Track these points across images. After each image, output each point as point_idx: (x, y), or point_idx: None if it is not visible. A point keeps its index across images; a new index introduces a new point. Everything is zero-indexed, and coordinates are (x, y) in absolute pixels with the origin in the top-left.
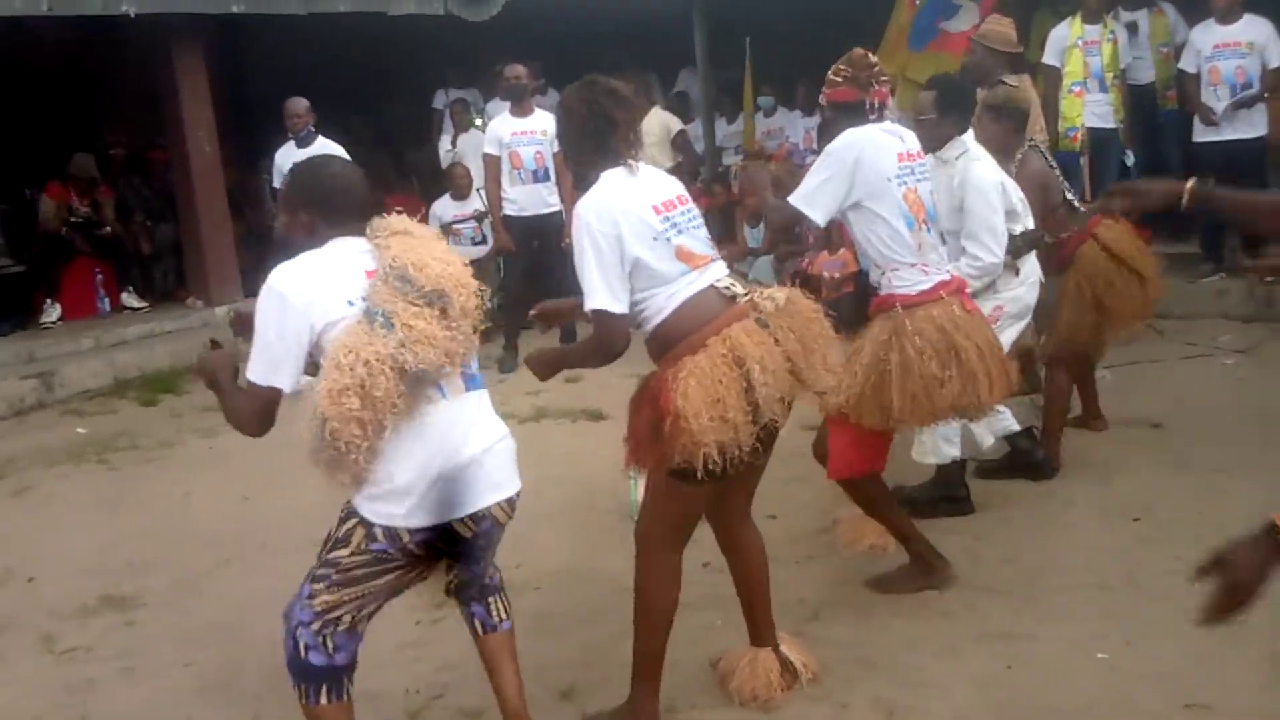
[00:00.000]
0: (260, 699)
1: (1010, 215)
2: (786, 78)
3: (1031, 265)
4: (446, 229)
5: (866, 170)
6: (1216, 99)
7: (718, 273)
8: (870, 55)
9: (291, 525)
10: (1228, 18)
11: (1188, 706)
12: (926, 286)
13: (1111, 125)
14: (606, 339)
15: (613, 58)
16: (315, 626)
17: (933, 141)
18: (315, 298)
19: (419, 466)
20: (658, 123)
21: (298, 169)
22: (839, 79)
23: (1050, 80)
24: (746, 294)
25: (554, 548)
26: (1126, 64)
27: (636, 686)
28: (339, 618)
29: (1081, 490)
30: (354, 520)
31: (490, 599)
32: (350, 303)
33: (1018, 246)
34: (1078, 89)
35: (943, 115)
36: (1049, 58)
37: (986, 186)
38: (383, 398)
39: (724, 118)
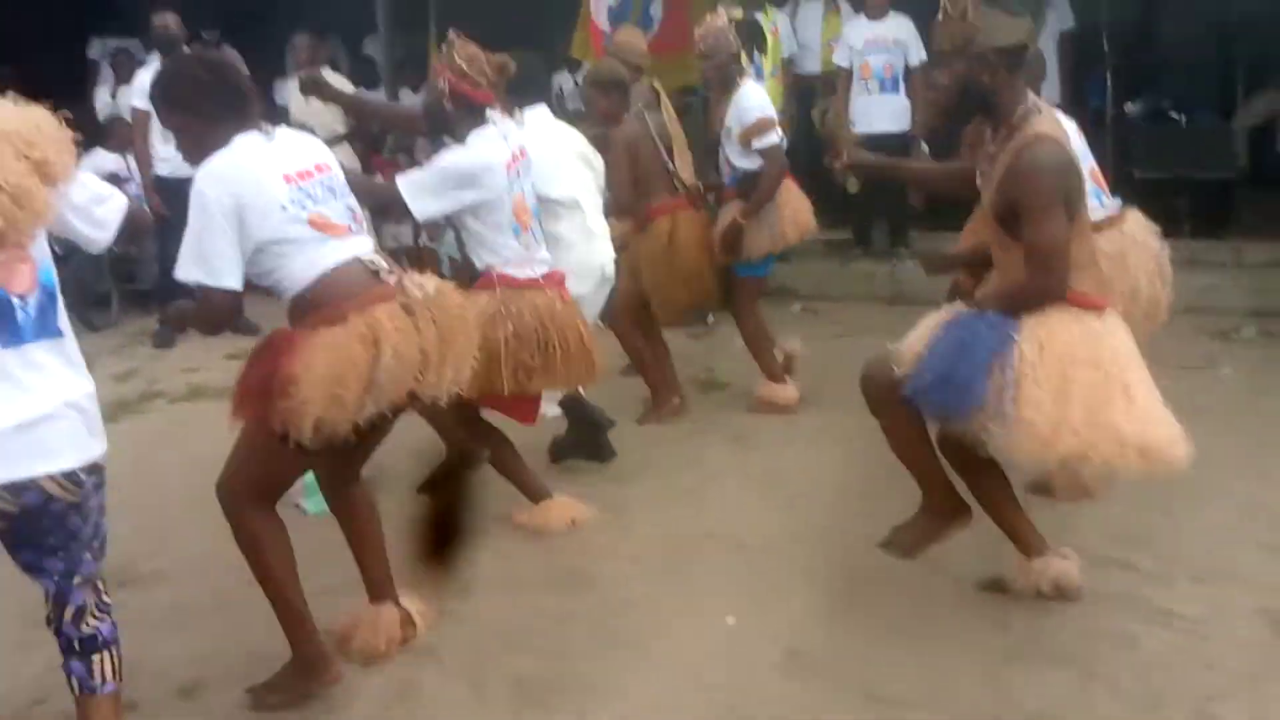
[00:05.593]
0: None
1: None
2: None
3: (585, 257)
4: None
5: (486, 184)
6: (868, 92)
7: (361, 246)
8: (510, 64)
9: None
10: (877, 14)
11: (790, 652)
12: (531, 275)
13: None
14: (203, 310)
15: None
16: None
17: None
18: None
19: None
20: None
21: None
22: (482, 80)
23: None
24: (393, 273)
25: (194, 536)
26: (790, 54)
27: (294, 644)
28: None
29: (726, 460)
30: None
31: (95, 655)
32: None
33: None
34: None
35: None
36: None
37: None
38: None
39: (409, 87)
